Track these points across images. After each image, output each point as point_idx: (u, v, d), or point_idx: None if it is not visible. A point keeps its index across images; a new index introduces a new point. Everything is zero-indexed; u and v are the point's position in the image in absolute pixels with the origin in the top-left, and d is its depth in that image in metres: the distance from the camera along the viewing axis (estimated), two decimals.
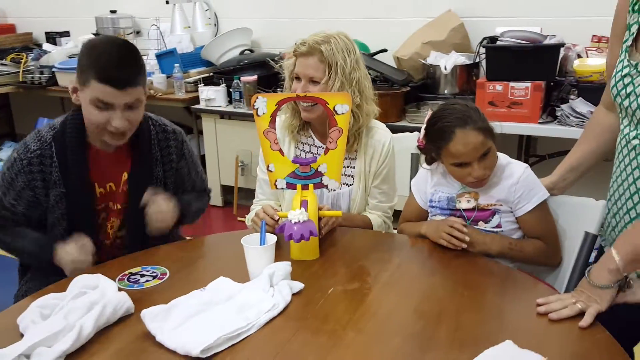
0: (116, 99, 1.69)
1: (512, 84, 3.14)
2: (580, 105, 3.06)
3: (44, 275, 1.84)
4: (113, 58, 1.68)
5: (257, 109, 1.79)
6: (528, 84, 3.11)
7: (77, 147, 1.78)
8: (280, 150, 1.82)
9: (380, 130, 2.03)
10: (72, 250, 1.70)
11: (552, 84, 3.26)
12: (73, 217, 1.81)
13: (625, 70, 1.49)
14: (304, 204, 1.72)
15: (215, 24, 4.57)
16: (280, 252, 1.69)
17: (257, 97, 1.78)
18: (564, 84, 3.23)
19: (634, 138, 1.48)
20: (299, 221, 1.62)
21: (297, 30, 4.21)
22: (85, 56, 1.71)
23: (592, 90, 3.03)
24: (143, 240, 1.88)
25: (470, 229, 1.73)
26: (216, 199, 4.18)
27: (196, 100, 4.05)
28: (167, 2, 4.29)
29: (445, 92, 3.50)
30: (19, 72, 4.76)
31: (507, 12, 3.62)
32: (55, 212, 1.80)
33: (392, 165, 2.04)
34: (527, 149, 3.60)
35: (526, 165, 1.79)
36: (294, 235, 1.61)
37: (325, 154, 1.81)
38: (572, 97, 3.18)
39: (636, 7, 1.49)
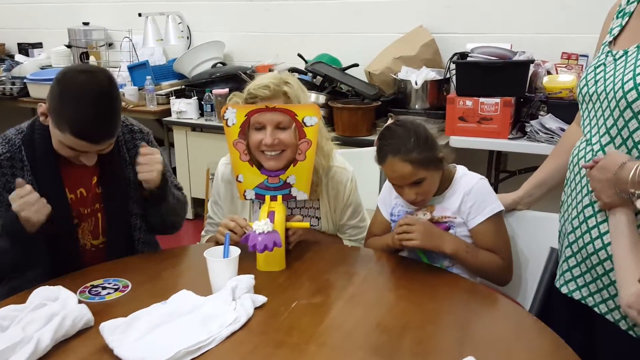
0: (90, 149, 1.68)
1: (482, 99, 3.17)
2: (550, 121, 3.10)
3: (19, 288, 1.79)
4: (89, 115, 1.61)
5: (227, 119, 1.78)
6: (498, 100, 3.14)
7: (47, 153, 1.75)
8: (250, 161, 1.81)
9: (339, 169, 1.94)
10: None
11: (522, 100, 3.30)
12: (48, 223, 1.73)
13: (601, 61, 1.48)
14: (271, 214, 1.71)
15: (188, 37, 4.56)
16: (247, 263, 1.67)
17: (227, 108, 1.78)
18: (534, 100, 3.27)
19: (596, 142, 1.47)
20: (263, 232, 1.60)
21: (269, 44, 4.29)
22: (59, 100, 1.63)
23: (562, 107, 3.08)
24: (126, 244, 1.89)
25: (428, 223, 1.71)
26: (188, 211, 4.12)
27: (168, 112, 4.02)
28: (140, 15, 4.26)
29: (416, 107, 3.52)
30: None
31: (477, 28, 3.66)
32: None
33: (356, 200, 1.99)
34: (497, 165, 3.63)
35: (481, 177, 1.77)
36: (257, 245, 1.59)
37: (294, 166, 1.80)
38: (541, 113, 3.22)
39: (620, 14, 1.51)
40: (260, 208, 1.79)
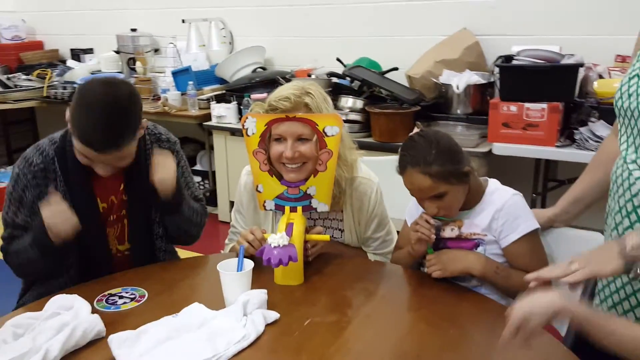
0: (97, 158, 1.67)
1: (527, 104, 3.02)
2: (601, 128, 2.93)
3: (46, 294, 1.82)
4: (96, 123, 1.61)
5: (247, 129, 1.75)
6: (544, 105, 2.99)
7: (78, 164, 1.75)
8: (269, 171, 1.77)
9: (364, 180, 1.86)
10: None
11: (571, 105, 3.14)
12: (81, 232, 1.75)
13: (635, 71, 1.37)
14: (289, 226, 1.66)
15: (230, 42, 4.56)
16: (265, 277, 1.64)
17: (247, 117, 1.74)
18: (584, 106, 3.10)
19: (632, 162, 1.36)
20: (279, 245, 1.55)
21: (308, 48, 4.25)
22: (75, 107, 1.65)
23: (615, 113, 2.91)
24: (149, 251, 1.90)
25: (445, 250, 1.64)
26: (224, 215, 4.15)
27: (208, 117, 4.04)
28: (183, 21, 4.29)
29: (458, 112, 3.41)
30: (43, 87, 4.83)
31: (524, 30, 3.52)
32: None
33: (382, 212, 1.91)
34: (546, 173, 3.48)
35: (515, 192, 1.67)
36: (272, 259, 1.55)
37: (314, 176, 1.75)
38: (592, 119, 3.05)
39: None
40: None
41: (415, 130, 1.68)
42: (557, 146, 3.02)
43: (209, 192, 4.44)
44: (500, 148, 3.11)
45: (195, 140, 4.86)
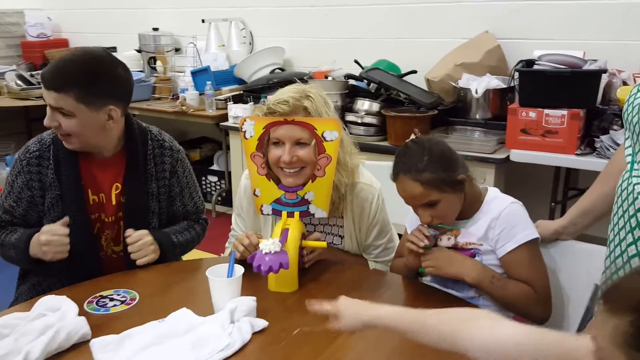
0: (47, 98, 1.71)
1: (547, 111, 2.94)
2: (623, 136, 2.83)
3: (35, 290, 1.86)
4: (57, 62, 1.72)
5: (245, 131, 1.72)
6: (564, 112, 2.90)
7: (71, 153, 1.80)
8: (267, 175, 1.74)
9: (365, 186, 1.83)
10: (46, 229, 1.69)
11: (593, 112, 3.04)
12: (68, 222, 1.77)
13: None
14: (285, 232, 1.62)
15: (250, 43, 4.55)
16: (258, 283, 1.61)
17: (245, 120, 1.71)
18: (607, 113, 3.00)
19: (637, 176, 1.30)
20: (270, 252, 1.52)
21: (327, 50, 4.21)
22: None
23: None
24: None
25: (446, 250, 1.59)
26: None
27: (225, 117, 4.02)
28: (203, 21, 4.29)
29: (477, 116, 3.33)
30: None
31: (547, 34, 3.42)
32: (51, 214, 1.80)
33: (383, 219, 1.87)
34: (566, 181, 3.39)
35: (513, 200, 1.61)
36: (262, 266, 1.51)
37: (312, 182, 1.71)
38: (615, 127, 2.95)
39: None
40: None
41: (412, 136, 1.63)
42: (577, 154, 2.92)
43: (224, 192, 4.43)
44: (518, 155, 3.03)
45: (213, 140, 4.87)
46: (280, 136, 1.67)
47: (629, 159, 1.33)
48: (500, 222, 1.56)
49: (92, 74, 1.71)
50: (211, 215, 4.37)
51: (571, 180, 3.41)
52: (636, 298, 0.79)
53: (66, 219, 1.69)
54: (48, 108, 1.73)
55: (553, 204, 3.23)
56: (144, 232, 1.79)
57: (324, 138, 1.66)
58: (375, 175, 1.90)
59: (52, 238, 1.65)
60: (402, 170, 1.54)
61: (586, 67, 3.00)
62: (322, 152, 1.67)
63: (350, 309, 1.23)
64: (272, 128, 1.68)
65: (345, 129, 1.77)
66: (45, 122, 1.74)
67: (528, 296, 1.53)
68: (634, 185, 1.29)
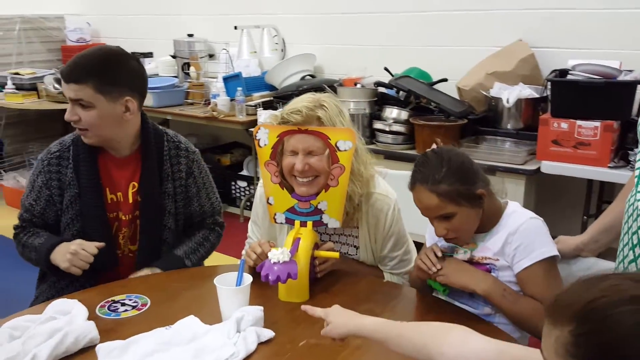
0: (66, 92, 1.77)
1: (579, 122, 2.86)
2: None
3: (54, 287, 1.90)
4: (75, 57, 1.78)
5: (259, 139, 1.72)
6: (597, 124, 2.82)
7: (89, 149, 1.85)
8: (280, 184, 1.73)
9: (380, 196, 1.79)
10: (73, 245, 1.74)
11: (627, 124, 2.95)
12: (85, 219, 1.85)
13: None
14: (296, 241, 1.61)
15: (282, 50, 4.56)
16: (269, 291, 1.60)
17: (259, 128, 1.71)
18: None
19: (635, 191, 1.25)
20: (279, 261, 1.50)
21: (359, 57, 4.20)
22: None
23: None
24: (155, 254, 1.91)
25: (459, 261, 1.56)
26: None
27: (255, 123, 4.03)
28: (235, 28, 4.32)
29: (508, 126, 3.26)
30: None
31: (583, 43, 3.34)
32: (69, 212, 1.85)
33: (399, 231, 1.83)
34: (600, 194, 3.29)
35: (533, 215, 1.55)
36: (270, 276, 1.50)
37: (325, 191, 1.69)
38: None
39: None
40: None
41: (433, 146, 1.60)
42: (610, 167, 2.84)
43: (253, 197, 4.43)
44: (549, 167, 2.96)
45: (243, 145, 4.89)
46: (293, 145, 1.66)
47: (638, 172, 1.28)
48: (517, 237, 1.51)
49: (109, 65, 1.78)
50: (239, 220, 4.39)
51: (605, 194, 3.32)
52: (574, 308, 0.81)
53: (102, 244, 1.76)
54: (69, 103, 1.78)
55: (585, 217, 3.13)
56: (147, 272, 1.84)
57: (338, 148, 1.64)
58: (399, 185, 1.86)
59: (80, 251, 1.71)
60: (419, 180, 1.52)
61: (621, 77, 2.91)
62: (336, 161, 1.66)
63: (339, 317, 1.28)
64: (285, 137, 1.68)
65: (361, 139, 1.74)
66: (66, 116, 1.79)
67: (540, 314, 1.47)
68: (638, 202, 1.24)
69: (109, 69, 1.78)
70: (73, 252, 1.71)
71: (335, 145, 1.64)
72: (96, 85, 1.74)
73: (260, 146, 1.70)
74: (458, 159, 1.51)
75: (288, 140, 1.68)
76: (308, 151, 1.66)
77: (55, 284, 1.89)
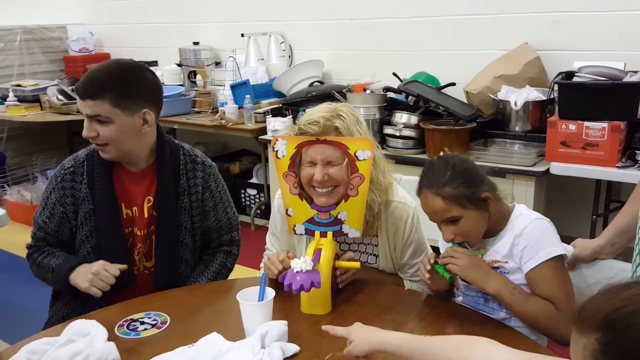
0: (82, 109, 1.77)
1: (587, 123, 2.88)
2: None
3: (70, 306, 1.88)
4: (89, 72, 1.78)
5: (277, 151, 1.72)
6: (605, 125, 2.84)
7: (104, 164, 1.84)
8: (299, 195, 1.74)
9: (399, 204, 1.80)
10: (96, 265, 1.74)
11: (634, 124, 2.97)
12: (101, 234, 1.84)
13: None
14: (317, 252, 1.62)
15: (289, 56, 4.57)
16: (291, 304, 1.60)
17: (277, 139, 1.71)
18: None
19: None
20: (302, 270, 1.51)
21: (367, 62, 4.21)
22: None
23: None
24: (172, 272, 1.90)
25: (478, 257, 1.56)
26: None
27: (264, 130, 4.05)
28: (242, 35, 4.33)
29: (516, 129, 3.28)
30: None
31: (588, 45, 3.35)
32: (84, 228, 1.84)
33: (419, 238, 1.84)
34: (608, 194, 3.30)
35: (538, 216, 1.57)
36: (293, 285, 1.51)
37: (345, 201, 1.71)
38: None
39: None
40: None
41: (440, 154, 1.62)
42: (618, 167, 2.87)
43: (263, 205, 4.46)
44: (558, 168, 2.98)
45: (252, 152, 4.90)
46: (312, 156, 1.67)
47: None
48: (523, 238, 1.53)
49: (125, 78, 1.78)
50: (250, 228, 4.40)
51: (613, 193, 3.34)
52: (598, 317, 0.84)
53: (124, 266, 1.76)
54: (85, 119, 1.78)
55: (594, 217, 3.15)
56: None
57: (357, 157, 1.65)
58: (413, 190, 1.88)
59: (102, 271, 1.71)
60: (425, 185, 1.55)
61: (627, 78, 2.93)
62: (355, 171, 1.67)
63: (361, 334, 1.29)
64: (303, 148, 1.69)
65: (378, 147, 1.75)
66: (84, 133, 1.78)
67: (550, 314, 1.49)
68: None
69: (125, 82, 1.77)
70: (95, 273, 1.70)
71: (354, 154, 1.65)
72: (113, 99, 1.74)
73: (278, 157, 1.71)
74: (463, 163, 1.55)
75: (306, 151, 1.69)
76: (327, 161, 1.67)
77: (71, 302, 1.87)
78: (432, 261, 1.58)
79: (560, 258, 1.53)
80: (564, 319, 1.49)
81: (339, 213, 1.71)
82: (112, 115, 1.75)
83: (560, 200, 3.38)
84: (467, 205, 1.51)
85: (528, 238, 1.53)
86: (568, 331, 1.49)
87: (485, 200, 1.53)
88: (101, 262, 1.75)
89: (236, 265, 2.09)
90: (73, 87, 5.00)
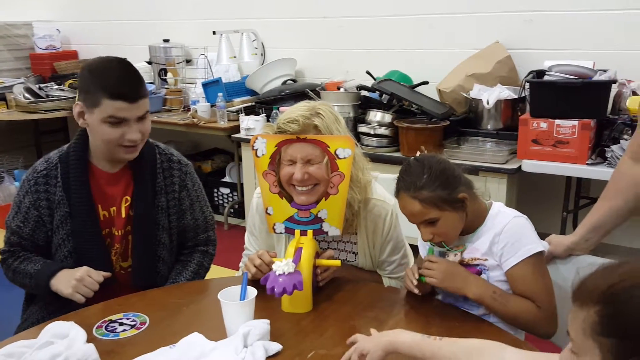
0: (130, 113, 1.72)
1: (557, 121, 2.93)
2: None
3: (46, 309, 1.84)
4: (119, 74, 1.73)
5: (257, 150, 1.71)
6: (575, 122, 2.90)
7: (79, 167, 1.81)
8: (279, 193, 1.73)
9: (378, 202, 1.81)
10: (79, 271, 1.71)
11: (603, 122, 3.03)
12: (78, 238, 1.81)
13: None
14: (298, 251, 1.61)
15: (262, 54, 4.55)
16: (272, 304, 1.60)
17: (256, 138, 1.71)
18: (617, 123, 2.99)
19: None
20: (284, 273, 1.51)
21: (340, 61, 4.22)
22: (88, 79, 1.73)
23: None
24: (150, 272, 1.88)
25: (454, 264, 1.58)
26: None
27: (237, 128, 4.03)
28: (214, 33, 4.29)
29: (489, 127, 3.33)
30: (75, 97, 4.86)
31: (558, 44, 3.41)
32: (60, 232, 1.81)
33: (398, 235, 1.85)
34: (577, 190, 3.37)
35: (517, 214, 1.59)
36: (276, 288, 1.50)
37: (325, 200, 1.71)
38: (625, 137, 2.94)
39: None
40: None
41: (417, 153, 1.63)
42: (589, 164, 2.93)
43: (237, 204, 4.43)
44: (530, 165, 3.03)
45: (225, 151, 4.87)
46: (291, 154, 1.67)
47: None
48: (503, 236, 1.55)
49: (138, 70, 1.81)
50: (223, 228, 4.37)
51: (583, 190, 3.40)
52: (597, 292, 0.90)
53: (108, 274, 1.74)
54: (127, 123, 1.73)
55: (565, 213, 3.22)
56: None
57: (337, 156, 1.65)
58: (388, 189, 1.88)
59: (86, 277, 1.69)
60: (402, 188, 1.55)
61: (596, 77, 2.99)
62: (335, 169, 1.67)
63: (369, 342, 1.30)
64: (283, 146, 1.68)
65: (357, 145, 1.76)
66: (134, 136, 1.74)
67: (530, 312, 1.52)
68: None
69: (139, 73, 1.81)
70: (79, 279, 1.67)
71: (335, 153, 1.65)
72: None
73: (257, 156, 1.70)
74: (439, 165, 1.55)
75: (285, 150, 1.68)
76: (307, 160, 1.66)
77: (47, 306, 1.83)
78: (417, 276, 1.59)
79: (540, 255, 1.55)
80: (544, 316, 1.52)
81: (319, 211, 1.71)
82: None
83: (531, 197, 3.44)
84: (444, 207, 1.52)
85: (508, 236, 1.54)
86: (548, 327, 1.54)
87: (463, 201, 1.54)
88: (85, 268, 1.72)
89: (213, 265, 2.08)
90: (40, 85, 4.92)
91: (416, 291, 1.60)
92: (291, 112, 1.71)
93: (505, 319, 1.55)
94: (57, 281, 1.72)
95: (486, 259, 1.57)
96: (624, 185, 1.53)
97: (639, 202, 1.52)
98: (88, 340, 1.41)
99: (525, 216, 1.60)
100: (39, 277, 1.75)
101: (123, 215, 1.86)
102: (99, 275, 1.71)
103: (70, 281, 1.68)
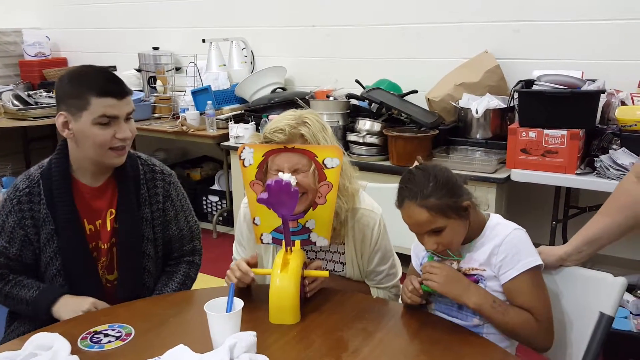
0: (120, 110, 1.73)
1: (546, 131, 2.94)
2: (623, 156, 2.84)
3: (31, 324, 1.81)
4: (102, 75, 1.76)
5: (244, 159, 1.70)
6: (564, 132, 2.90)
7: (62, 181, 1.78)
8: None
9: (366, 211, 1.80)
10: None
11: (592, 132, 3.04)
12: (66, 254, 1.78)
13: None
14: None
15: (251, 62, 4.54)
16: (259, 314, 1.58)
17: (244, 147, 1.70)
18: (606, 133, 3.01)
19: None
20: (281, 180, 1.53)
21: (329, 69, 4.22)
22: (70, 85, 1.73)
23: (637, 140, 2.82)
24: (135, 282, 1.86)
25: (455, 271, 1.57)
26: None
27: (227, 136, 4.02)
28: (204, 41, 4.29)
29: (477, 136, 3.34)
30: None
31: (547, 54, 3.43)
32: (48, 250, 1.78)
33: (386, 245, 1.84)
34: (567, 200, 3.38)
35: (516, 227, 1.59)
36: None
37: (313, 209, 1.70)
38: (614, 147, 2.95)
39: None
40: None
41: (415, 163, 1.62)
42: (577, 174, 2.94)
43: (225, 212, 4.41)
44: (519, 175, 3.03)
45: (214, 159, 4.85)
46: (278, 164, 1.66)
47: None
48: (503, 248, 1.54)
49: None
50: (212, 236, 4.34)
51: (572, 199, 3.41)
52: None
53: (104, 304, 1.74)
54: (117, 122, 1.73)
55: (554, 222, 3.22)
56: None
57: (325, 165, 1.65)
58: (378, 198, 1.88)
59: (92, 309, 1.70)
60: (407, 197, 1.53)
61: (585, 87, 3.01)
62: (323, 179, 1.66)
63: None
64: (270, 156, 1.67)
65: (345, 154, 1.75)
66: (124, 134, 1.75)
67: (529, 324, 1.52)
68: None
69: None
70: (85, 312, 1.67)
71: (323, 162, 1.64)
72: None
73: (245, 166, 1.69)
74: (443, 173, 1.55)
75: (273, 160, 1.67)
76: (294, 169, 1.65)
77: (33, 320, 1.80)
78: (417, 285, 1.58)
79: (537, 268, 1.55)
80: (541, 330, 1.52)
81: (307, 221, 1.70)
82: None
83: (520, 206, 3.44)
84: (451, 215, 1.51)
85: (508, 248, 1.54)
86: (545, 340, 1.53)
87: (467, 209, 1.54)
88: (91, 300, 1.72)
89: (199, 274, 2.06)
90: (29, 92, 4.88)
91: (419, 300, 1.59)
92: (277, 122, 1.70)
93: (503, 330, 1.54)
94: (59, 308, 1.71)
95: (484, 270, 1.57)
96: (625, 203, 1.53)
97: (638, 220, 1.52)
98: (72, 352, 1.39)
99: (524, 229, 1.60)
100: (38, 304, 1.74)
101: (108, 228, 1.84)
102: (105, 307, 1.72)
103: (76, 312, 1.68)
